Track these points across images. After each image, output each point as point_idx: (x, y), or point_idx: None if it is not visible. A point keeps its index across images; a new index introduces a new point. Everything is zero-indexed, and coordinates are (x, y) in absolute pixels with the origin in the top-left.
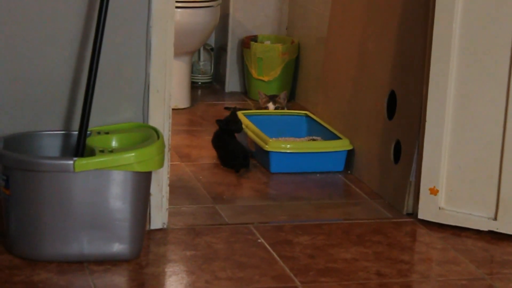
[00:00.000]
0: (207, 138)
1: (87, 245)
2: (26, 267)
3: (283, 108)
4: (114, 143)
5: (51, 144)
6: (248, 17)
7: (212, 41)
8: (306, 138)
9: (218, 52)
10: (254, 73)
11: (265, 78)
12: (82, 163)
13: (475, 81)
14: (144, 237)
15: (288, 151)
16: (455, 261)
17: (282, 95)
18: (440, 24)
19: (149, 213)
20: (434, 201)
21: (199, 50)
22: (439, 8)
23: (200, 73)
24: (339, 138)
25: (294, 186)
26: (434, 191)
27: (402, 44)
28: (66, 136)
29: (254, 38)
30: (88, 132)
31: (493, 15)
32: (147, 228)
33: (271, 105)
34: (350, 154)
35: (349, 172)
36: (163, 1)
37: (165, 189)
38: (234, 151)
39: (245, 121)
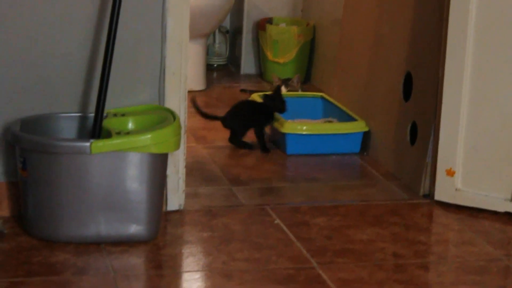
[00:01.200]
0: None
1: (104, 226)
2: (44, 248)
3: (296, 91)
4: (130, 125)
5: (67, 126)
6: (264, 0)
7: (227, 24)
8: (322, 120)
9: (234, 35)
10: (269, 55)
11: (281, 60)
12: (99, 145)
13: (492, 62)
14: (161, 219)
15: (304, 133)
16: (472, 242)
17: (295, 79)
18: (456, 3)
19: (166, 195)
20: (450, 183)
21: (214, 33)
22: None
23: (216, 56)
24: (355, 119)
25: (310, 168)
26: (450, 173)
27: (417, 25)
28: (83, 118)
29: (270, 21)
30: (104, 114)
31: None
32: (164, 209)
33: (283, 88)
34: (366, 135)
35: (365, 153)
36: None
37: (182, 171)
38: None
39: None
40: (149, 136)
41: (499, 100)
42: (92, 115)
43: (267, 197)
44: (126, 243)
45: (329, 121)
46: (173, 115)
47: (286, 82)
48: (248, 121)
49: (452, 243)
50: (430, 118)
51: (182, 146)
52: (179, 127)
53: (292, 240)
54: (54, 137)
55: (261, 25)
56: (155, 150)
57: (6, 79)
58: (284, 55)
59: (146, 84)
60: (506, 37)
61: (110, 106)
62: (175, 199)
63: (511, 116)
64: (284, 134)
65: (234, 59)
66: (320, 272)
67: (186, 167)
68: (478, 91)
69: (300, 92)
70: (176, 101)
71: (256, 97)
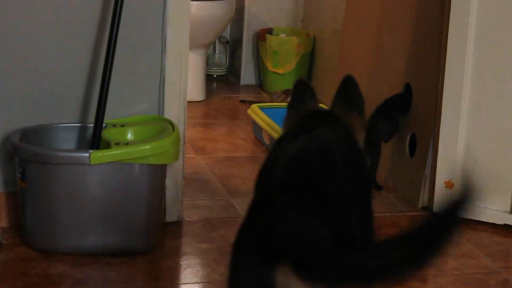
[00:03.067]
0: (222, 131)
1: (103, 237)
2: (42, 260)
3: None
4: (129, 136)
5: (67, 137)
6: (264, 10)
7: (227, 34)
8: None
9: (234, 45)
10: (269, 65)
11: (280, 71)
12: (98, 155)
13: (491, 74)
14: (160, 230)
15: None
16: (471, 255)
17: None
18: (456, 16)
19: (165, 206)
20: (449, 195)
21: (214, 43)
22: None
23: (215, 66)
24: None
25: None
26: (449, 185)
27: (418, 36)
28: (82, 129)
29: (270, 31)
30: (103, 125)
31: (510, 6)
32: (163, 221)
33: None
34: None
35: None
36: None
37: (181, 182)
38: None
39: (260, 114)
40: (148, 147)
41: (499, 112)
42: (91, 125)
43: None
44: (124, 255)
45: None
46: (172, 125)
47: (289, 93)
48: None
49: (450, 256)
50: (429, 130)
51: (181, 157)
52: (178, 137)
53: None
54: (54, 148)
55: (261, 36)
56: (154, 161)
57: (6, 89)
58: (284, 66)
59: (146, 95)
60: (506, 49)
61: (109, 116)
62: (173, 211)
63: (511, 128)
64: None
65: (234, 70)
66: None
67: (185, 178)
68: (477, 103)
69: None
70: (176, 111)
71: (255, 108)
